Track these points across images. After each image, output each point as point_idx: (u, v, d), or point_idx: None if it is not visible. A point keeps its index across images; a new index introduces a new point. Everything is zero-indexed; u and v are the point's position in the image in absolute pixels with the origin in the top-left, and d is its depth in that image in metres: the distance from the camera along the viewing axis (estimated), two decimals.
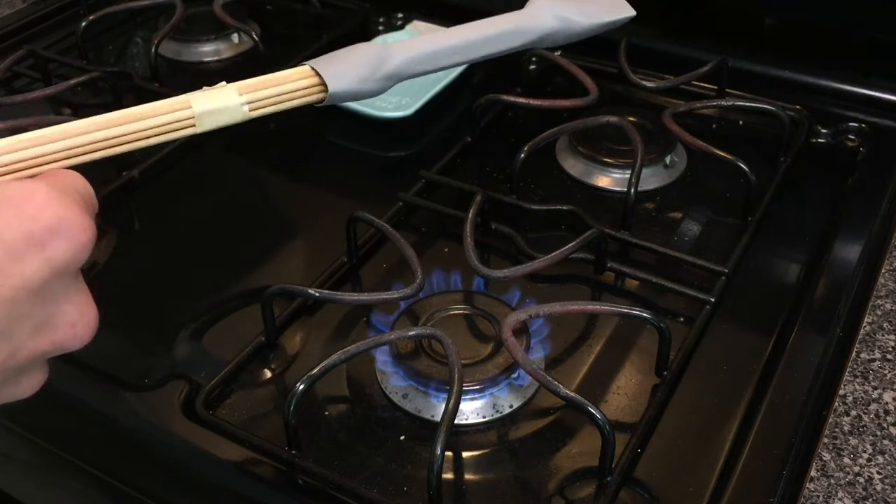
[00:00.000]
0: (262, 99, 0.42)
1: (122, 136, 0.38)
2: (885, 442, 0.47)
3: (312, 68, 0.44)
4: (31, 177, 0.35)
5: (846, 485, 0.45)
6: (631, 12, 0.54)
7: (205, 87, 0.41)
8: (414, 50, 0.48)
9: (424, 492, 0.44)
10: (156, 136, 0.39)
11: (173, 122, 0.39)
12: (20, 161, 0.36)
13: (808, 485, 0.45)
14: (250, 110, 0.42)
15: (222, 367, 0.52)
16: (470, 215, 0.57)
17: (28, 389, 0.35)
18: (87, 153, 0.37)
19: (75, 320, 0.34)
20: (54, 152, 0.36)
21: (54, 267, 0.32)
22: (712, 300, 0.55)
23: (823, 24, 0.75)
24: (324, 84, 0.44)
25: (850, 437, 0.48)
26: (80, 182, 0.35)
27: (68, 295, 0.34)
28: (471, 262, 0.54)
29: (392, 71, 0.47)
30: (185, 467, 0.49)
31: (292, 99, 0.44)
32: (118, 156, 0.39)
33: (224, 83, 0.42)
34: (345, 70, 0.45)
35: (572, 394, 0.45)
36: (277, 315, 0.54)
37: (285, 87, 0.43)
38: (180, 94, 0.40)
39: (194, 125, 0.40)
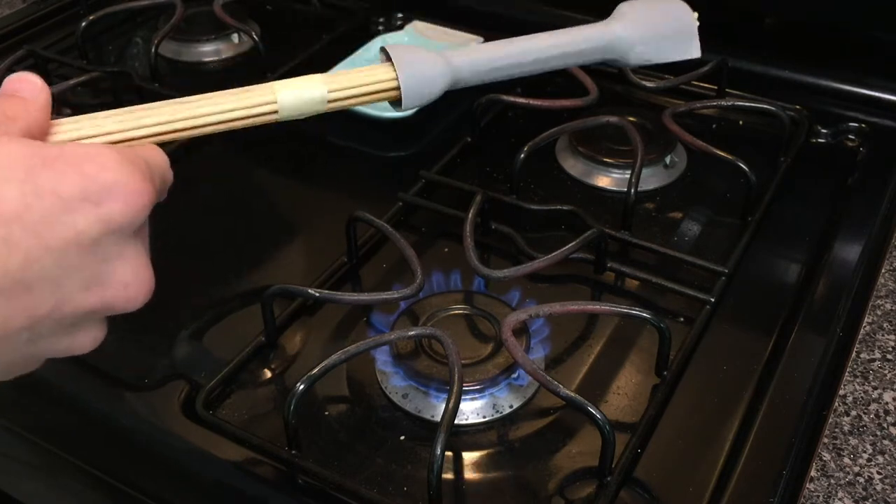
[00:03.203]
0: (343, 97, 0.43)
1: (203, 116, 0.39)
2: (885, 442, 0.47)
3: (394, 69, 0.45)
4: None
5: (846, 485, 0.45)
6: (697, 54, 0.52)
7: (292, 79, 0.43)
8: (479, 62, 0.47)
9: (424, 492, 0.44)
10: (238, 119, 0.41)
11: (256, 107, 0.41)
12: (93, 137, 0.37)
13: (808, 485, 0.45)
14: (329, 102, 0.43)
15: (222, 367, 0.52)
16: (470, 215, 0.57)
17: (84, 345, 0.36)
18: (165, 133, 0.39)
19: (128, 281, 0.36)
20: (131, 129, 0.38)
21: (108, 225, 0.33)
22: (712, 300, 0.55)
23: (823, 24, 0.75)
24: (398, 88, 0.45)
25: (850, 437, 0.48)
26: (150, 152, 0.37)
27: (123, 255, 0.35)
28: (471, 262, 0.54)
29: (456, 82, 0.47)
30: (185, 467, 0.49)
31: (369, 96, 0.45)
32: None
33: (311, 76, 0.43)
34: (420, 85, 0.45)
35: (572, 394, 0.45)
36: (277, 315, 0.54)
37: (367, 87, 0.44)
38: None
39: (276, 111, 0.41)
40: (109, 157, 0.34)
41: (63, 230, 0.32)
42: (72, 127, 0.38)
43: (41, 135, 0.35)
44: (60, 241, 0.32)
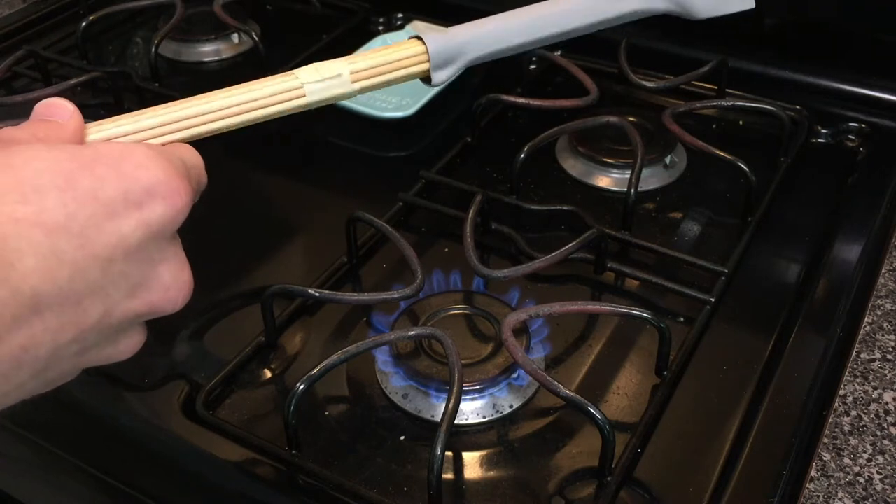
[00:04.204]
0: (368, 69, 0.43)
1: (232, 106, 0.40)
2: (885, 442, 0.47)
3: (419, 37, 0.45)
4: None
5: (846, 485, 0.45)
6: (751, 4, 0.52)
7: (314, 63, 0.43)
8: (485, 30, 0.48)
9: (424, 492, 0.44)
10: (266, 106, 0.41)
11: (283, 93, 0.41)
12: (129, 134, 0.37)
13: (808, 485, 0.45)
14: (354, 81, 0.43)
15: (222, 367, 0.52)
16: (470, 215, 0.57)
17: (125, 351, 0.36)
18: (198, 125, 0.39)
19: (169, 284, 0.35)
20: (164, 124, 0.38)
21: (151, 228, 0.33)
22: (712, 300, 0.55)
23: (823, 25, 0.75)
24: (426, 53, 0.45)
25: (850, 437, 0.48)
26: (186, 152, 0.37)
27: (164, 258, 0.35)
28: (471, 262, 0.54)
29: (470, 57, 0.48)
30: (185, 467, 0.49)
31: (397, 69, 0.45)
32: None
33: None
34: (445, 41, 0.46)
35: (572, 394, 0.45)
36: (277, 315, 0.54)
37: (390, 55, 0.44)
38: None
39: (304, 95, 0.41)
40: (145, 154, 0.33)
41: (108, 237, 0.32)
42: (100, 129, 0.37)
43: None
44: (106, 248, 0.32)
